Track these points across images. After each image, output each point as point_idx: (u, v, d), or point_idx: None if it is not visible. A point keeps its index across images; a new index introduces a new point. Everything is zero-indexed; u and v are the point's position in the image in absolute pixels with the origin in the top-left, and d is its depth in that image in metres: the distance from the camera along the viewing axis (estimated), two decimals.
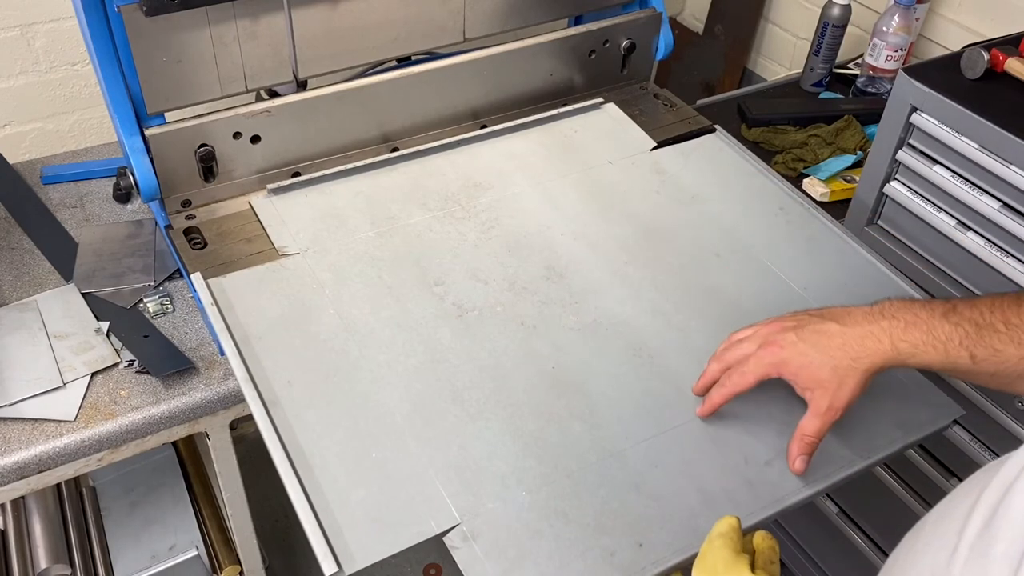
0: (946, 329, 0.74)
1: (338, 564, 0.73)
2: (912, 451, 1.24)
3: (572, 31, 1.26)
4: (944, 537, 0.55)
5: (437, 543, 0.77)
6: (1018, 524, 0.49)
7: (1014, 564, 0.48)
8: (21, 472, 0.98)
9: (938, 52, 1.63)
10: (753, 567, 0.65)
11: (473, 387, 0.89)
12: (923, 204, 1.18)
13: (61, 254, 1.19)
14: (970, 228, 1.14)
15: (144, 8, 0.95)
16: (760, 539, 0.68)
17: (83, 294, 1.13)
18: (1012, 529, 0.49)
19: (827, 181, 1.39)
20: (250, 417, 0.85)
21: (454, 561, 0.76)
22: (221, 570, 1.38)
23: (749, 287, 1.03)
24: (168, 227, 1.09)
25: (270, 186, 1.10)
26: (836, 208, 1.34)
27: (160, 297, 1.13)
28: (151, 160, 1.04)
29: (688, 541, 0.77)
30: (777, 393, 0.90)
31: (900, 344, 0.75)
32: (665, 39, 1.33)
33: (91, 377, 1.04)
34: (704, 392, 0.87)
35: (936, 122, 1.13)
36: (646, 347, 0.95)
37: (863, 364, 0.76)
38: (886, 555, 1.47)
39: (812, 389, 0.79)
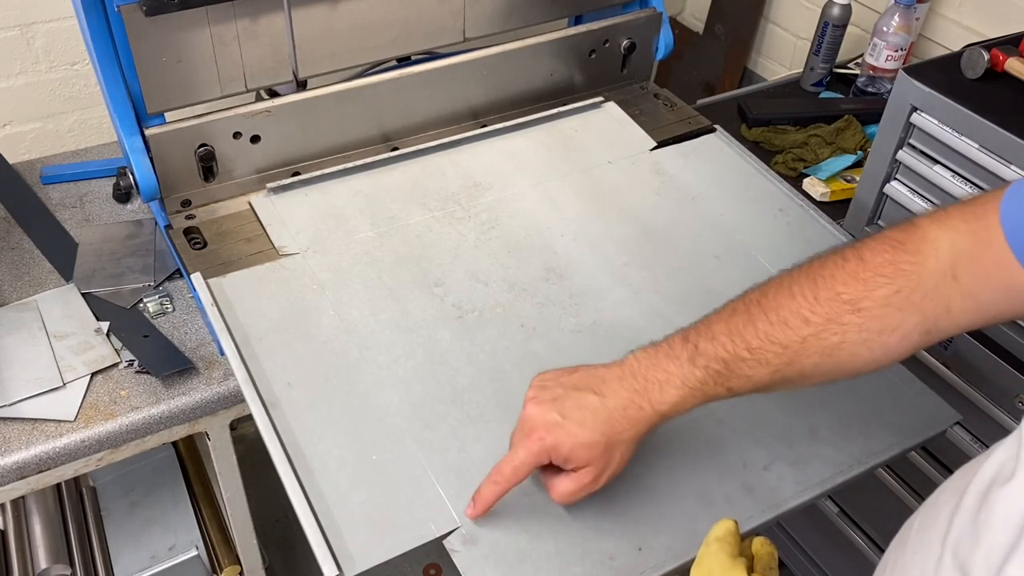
0: (698, 375, 0.73)
1: (338, 567, 0.73)
2: (912, 451, 1.24)
3: (572, 31, 1.26)
4: (929, 545, 0.55)
5: (437, 543, 0.77)
6: (998, 529, 0.49)
7: (994, 570, 0.48)
8: (21, 472, 0.98)
9: (938, 52, 1.63)
10: (751, 571, 0.65)
11: (473, 389, 0.89)
12: (923, 204, 1.18)
13: (61, 254, 1.19)
14: None
15: (144, 8, 0.95)
16: (759, 544, 0.67)
17: (83, 294, 1.13)
18: (993, 535, 0.49)
19: (827, 181, 1.39)
20: (250, 417, 0.85)
21: (454, 562, 0.76)
22: (221, 570, 1.38)
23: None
24: (168, 227, 1.09)
25: (270, 185, 1.10)
26: (836, 208, 1.34)
27: (160, 297, 1.13)
28: (151, 160, 1.04)
29: (687, 545, 0.77)
30: (775, 398, 0.91)
31: (660, 407, 0.74)
32: (665, 39, 1.33)
33: (91, 377, 1.04)
34: (481, 514, 0.78)
35: (936, 122, 1.13)
36: None
37: (629, 435, 0.75)
38: None
39: (580, 466, 0.75)
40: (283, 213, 1.08)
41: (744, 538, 0.69)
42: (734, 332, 0.73)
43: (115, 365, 1.06)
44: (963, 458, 1.20)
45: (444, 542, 0.77)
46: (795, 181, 1.40)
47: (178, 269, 1.16)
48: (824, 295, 0.70)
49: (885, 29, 1.54)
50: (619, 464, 0.76)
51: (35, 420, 0.99)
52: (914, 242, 0.68)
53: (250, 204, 1.10)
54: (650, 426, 0.75)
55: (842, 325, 0.69)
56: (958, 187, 1.12)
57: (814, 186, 1.39)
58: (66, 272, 1.16)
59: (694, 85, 2.18)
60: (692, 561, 0.71)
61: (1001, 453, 0.53)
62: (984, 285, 0.66)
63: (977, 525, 0.51)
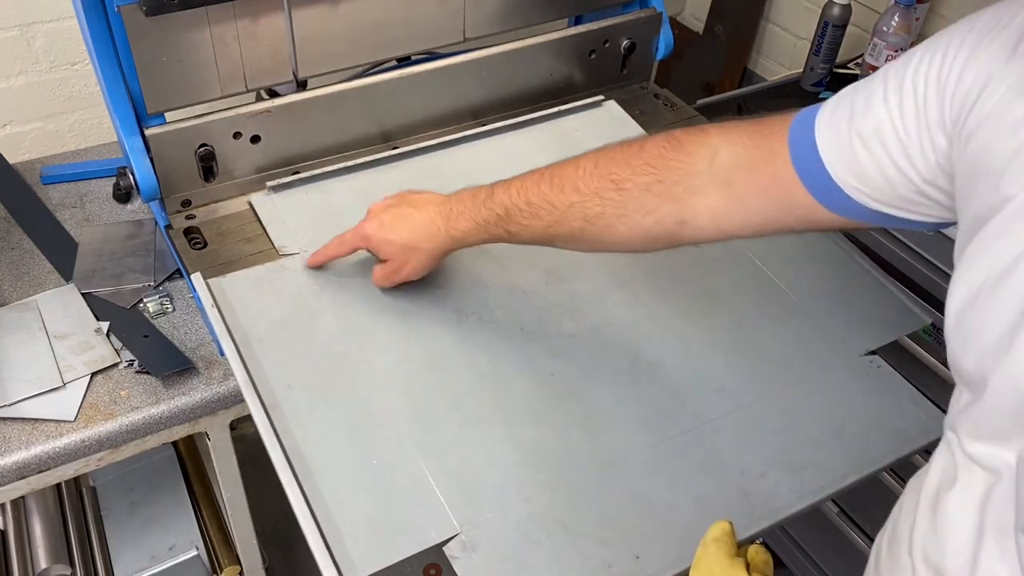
0: (484, 214, 0.87)
1: (339, 572, 0.73)
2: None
3: (572, 31, 1.26)
4: (899, 561, 0.57)
5: (437, 549, 0.77)
6: (961, 536, 0.52)
7: (968, 568, 0.50)
8: (21, 472, 0.98)
9: None
10: (749, 571, 0.66)
11: (472, 394, 0.89)
12: None
13: (61, 254, 1.19)
14: None
15: (144, 8, 0.95)
16: (754, 552, 0.68)
17: (83, 294, 1.13)
18: (956, 541, 0.52)
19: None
20: (250, 417, 0.85)
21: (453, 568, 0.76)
22: (221, 570, 1.38)
23: (747, 295, 1.03)
24: (168, 227, 1.09)
25: (270, 183, 1.10)
26: None
27: (160, 297, 1.13)
28: (151, 160, 1.04)
29: (684, 553, 0.77)
30: (773, 406, 0.91)
31: (452, 232, 0.90)
32: (665, 39, 1.33)
33: (91, 377, 1.04)
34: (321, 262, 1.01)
35: None
36: (644, 354, 0.95)
37: (425, 246, 0.92)
38: None
39: (386, 259, 0.95)
40: (283, 213, 1.08)
41: (740, 546, 0.69)
42: (523, 188, 0.85)
43: (115, 365, 1.06)
44: None
45: (444, 548, 0.77)
46: None
47: (178, 269, 1.16)
48: (598, 172, 0.80)
49: (885, 29, 1.54)
50: (413, 267, 0.94)
51: (35, 420, 0.99)
52: (692, 144, 0.77)
53: (250, 204, 1.10)
54: (444, 246, 0.91)
55: (603, 199, 0.79)
56: None
57: None
58: (66, 272, 1.16)
59: (694, 85, 2.18)
60: (690, 568, 0.71)
61: (940, 461, 0.56)
62: (758, 195, 0.73)
63: (937, 531, 0.53)
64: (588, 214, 0.81)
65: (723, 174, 0.74)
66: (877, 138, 0.63)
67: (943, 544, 0.53)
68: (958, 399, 0.55)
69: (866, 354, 0.97)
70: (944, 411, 0.92)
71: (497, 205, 0.86)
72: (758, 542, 0.73)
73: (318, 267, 1.00)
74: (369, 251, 0.96)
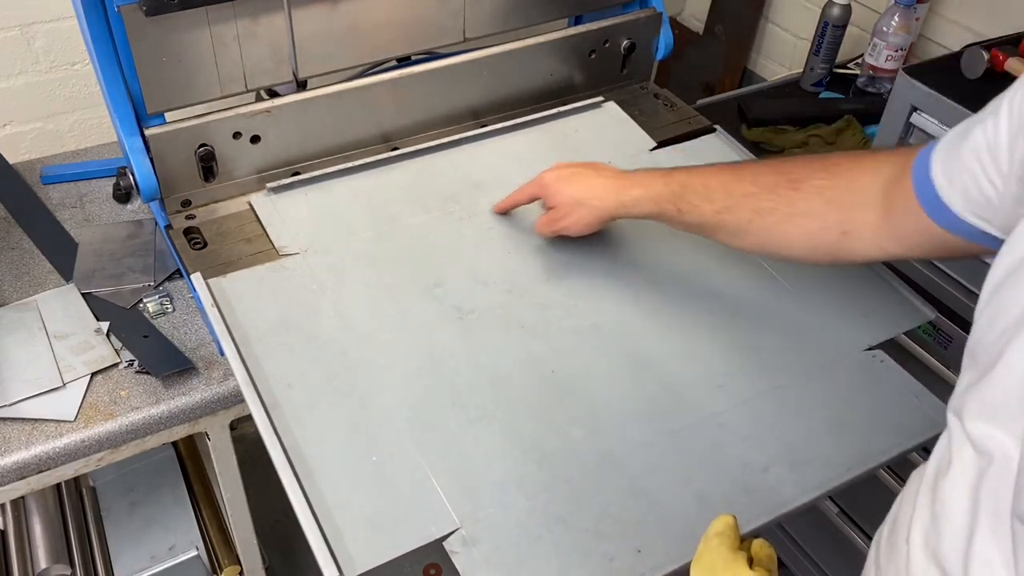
0: (659, 187, 0.91)
1: (339, 569, 0.73)
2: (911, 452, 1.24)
3: (572, 31, 1.26)
4: (896, 548, 0.58)
5: (437, 544, 0.77)
6: (956, 521, 0.52)
7: (962, 557, 0.51)
8: (21, 472, 0.98)
9: (938, 52, 1.63)
10: (751, 565, 0.66)
11: (473, 391, 0.89)
12: None
13: (61, 254, 1.19)
14: None
15: (144, 8, 0.95)
16: (758, 547, 0.69)
17: (83, 294, 1.13)
18: (952, 526, 0.52)
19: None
20: (250, 417, 0.85)
21: (454, 564, 0.76)
22: (221, 570, 1.38)
23: (748, 291, 1.03)
24: (168, 227, 1.09)
25: (270, 185, 1.10)
26: None
27: (160, 297, 1.13)
28: (151, 160, 1.04)
29: (686, 547, 0.77)
30: (774, 401, 0.91)
31: (623, 196, 0.94)
32: (665, 39, 1.33)
33: (91, 377, 1.04)
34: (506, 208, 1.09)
35: (936, 122, 1.13)
36: (645, 351, 0.95)
37: (595, 204, 0.96)
38: None
39: (555, 206, 1.01)
40: (283, 213, 1.08)
41: (743, 540, 0.70)
42: (703, 172, 0.90)
43: (115, 365, 1.06)
44: None
45: (444, 544, 0.77)
46: None
47: (178, 269, 1.16)
48: (778, 169, 0.84)
49: (885, 29, 1.54)
50: (575, 220, 0.98)
51: (35, 420, 0.99)
52: (865, 159, 0.80)
53: (250, 204, 1.10)
54: (611, 209, 0.96)
55: (778, 195, 0.83)
56: None
57: None
58: (66, 272, 1.16)
59: (694, 85, 2.18)
60: (689, 563, 0.71)
61: (939, 448, 0.57)
62: (907, 222, 0.74)
63: (935, 517, 0.54)
64: (760, 207, 0.83)
65: (883, 191, 0.77)
66: (975, 155, 0.65)
67: (940, 529, 0.53)
68: (963, 380, 0.56)
69: (868, 349, 0.97)
70: (946, 405, 0.92)
71: (674, 182, 0.90)
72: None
73: (504, 213, 1.09)
74: (542, 200, 1.03)
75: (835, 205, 0.80)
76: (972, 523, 0.51)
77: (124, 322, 1.10)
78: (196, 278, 0.98)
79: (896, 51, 1.55)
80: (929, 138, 1.14)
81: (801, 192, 0.81)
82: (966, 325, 1.18)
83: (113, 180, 1.29)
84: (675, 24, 2.23)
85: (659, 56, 1.35)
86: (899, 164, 0.76)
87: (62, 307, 1.11)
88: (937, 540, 0.53)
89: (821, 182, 0.80)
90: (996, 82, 1.13)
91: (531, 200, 1.05)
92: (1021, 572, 0.47)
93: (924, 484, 0.57)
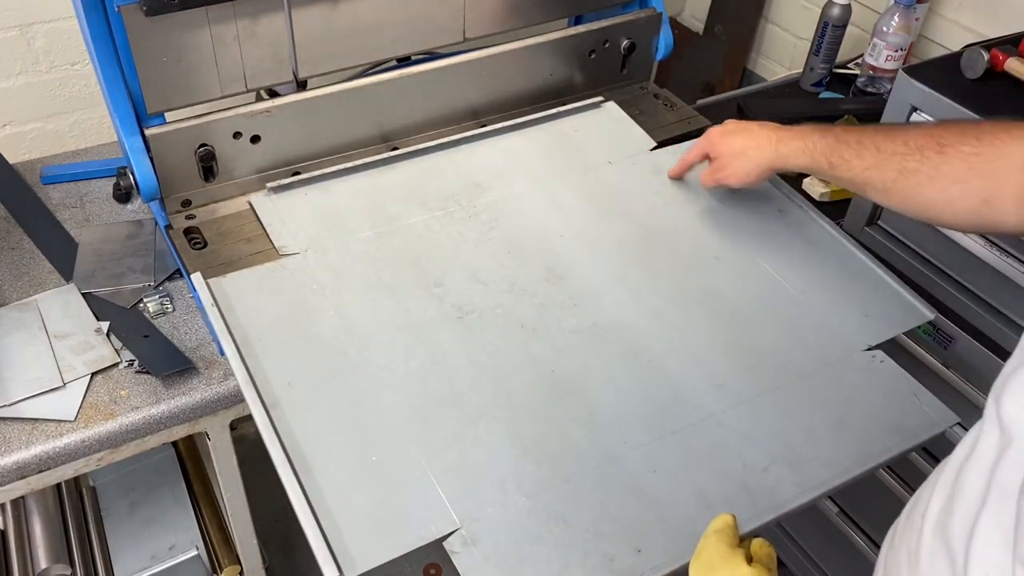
0: (815, 139, 0.96)
1: (339, 568, 0.73)
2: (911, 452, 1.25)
3: (572, 31, 1.26)
4: (912, 527, 0.59)
5: (437, 544, 0.77)
6: (969, 498, 0.53)
7: (968, 533, 0.51)
8: (21, 472, 0.98)
9: (938, 52, 1.63)
10: (750, 562, 0.66)
11: (473, 390, 0.89)
12: None
13: (61, 254, 1.19)
14: None
15: (144, 8, 0.95)
16: (758, 546, 0.69)
17: (83, 294, 1.13)
18: (964, 503, 0.53)
19: (826, 181, 1.39)
20: (250, 417, 0.85)
21: (454, 564, 0.76)
22: (221, 570, 1.38)
23: (748, 291, 1.03)
24: (168, 227, 1.09)
25: (270, 184, 1.10)
26: (836, 208, 1.34)
27: (160, 297, 1.13)
28: (151, 160, 1.04)
29: (686, 547, 0.77)
30: (774, 401, 0.91)
31: (781, 148, 0.99)
32: (665, 39, 1.33)
33: (91, 377, 1.04)
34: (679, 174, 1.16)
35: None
36: (645, 350, 0.95)
37: (755, 154, 1.02)
38: None
39: (717, 157, 1.07)
40: (283, 213, 1.08)
41: (743, 539, 0.70)
42: (857, 129, 0.93)
43: (115, 365, 1.06)
44: None
45: (444, 543, 0.77)
46: (795, 181, 1.40)
47: (178, 269, 1.16)
48: (929, 132, 0.85)
49: (885, 29, 1.54)
50: (734, 170, 1.04)
51: (35, 420, 0.99)
52: (1014, 129, 0.79)
53: (250, 204, 1.10)
54: (769, 160, 1.01)
55: (923, 157, 0.84)
56: None
57: (813, 186, 1.39)
58: (66, 272, 1.16)
59: (694, 85, 2.18)
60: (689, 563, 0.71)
61: (969, 437, 0.58)
62: None
63: (952, 498, 0.55)
64: (905, 167, 0.85)
65: None
66: None
67: (952, 508, 0.54)
68: (1009, 363, 0.56)
69: (868, 349, 0.97)
70: (947, 406, 0.92)
71: (829, 135, 0.94)
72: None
73: (679, 177, 1.16)
74: (708, 156, 1.09)
75: (978, 172, 0.80)
76: (982, 502, 0.51)
77: (124, 322, 1.10)
78: (196, 278, 0.98)
79: (896, 51, 1.55)
80: None
81: (946, 156, 0.82)
82: (966, 325, 1.18)
83: (113, 180, 1.29)
84: (675, 24, 2.23)
85: (659, 56, 1.35)
86: None
87: (62, 307, 1.11)
88: (948, 519, 0.54)
89: (968, 148, 0.81)
90: (996, 82, 1.13)
91: (702, 158, 1.10)
92: (1019, 549, 0.47)
93: (949, 467, 0.57)
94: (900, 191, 0.87)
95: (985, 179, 0.79)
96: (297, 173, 1.14)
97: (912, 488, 1.31)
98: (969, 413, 1.01)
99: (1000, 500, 0.50)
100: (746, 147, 1.02)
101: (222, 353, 0.99)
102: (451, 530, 0.77)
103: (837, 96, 1.64)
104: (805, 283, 1.04)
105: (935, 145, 0.83)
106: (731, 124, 1.06)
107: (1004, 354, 1.13)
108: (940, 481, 0.57)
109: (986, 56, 1.12)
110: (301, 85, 1.14)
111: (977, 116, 1.07)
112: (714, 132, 1.07)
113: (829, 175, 0.95)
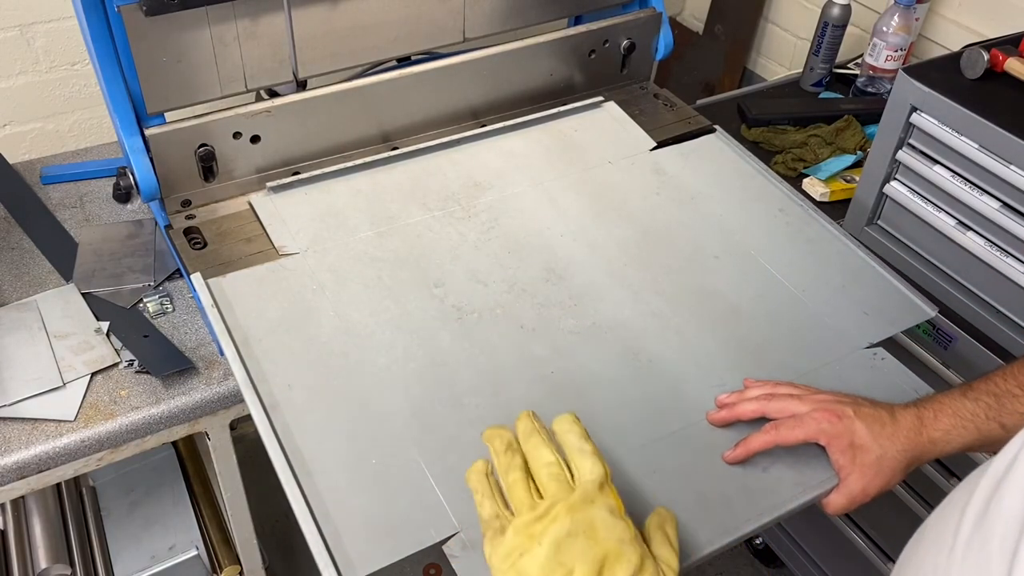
0: (969, 407, 0.76)
1: (338, 572, 0.73)
2: None
3: (572, 31, 1.26)
4: (941, 538, 0.56)
5: (436, 548, 0.77)
6: (1010, 518, 0.50)
7: (1008, 557, 0.49)
8: (21, 472, 0.98)
9: (938, 52, 1.63)
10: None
11: (472, 392, 0.89)
12: (923, 204, 1.18)
13: (61, 254, 1.19)
14: (970, 228, 1.14)
15: (144, 8, 0.95)
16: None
17: (83, 294, 1.13)
18: (1004, 524, 0.50)
19: (827, 181, 1.39)
20: (250, 417, 0.85)
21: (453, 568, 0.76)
22: (221, 570, 1.38)
23: (748, 290, 1.03)
24: (168, 227, 1.09)
25: (269, 184, 1.10)
26: (836, 208, 1.34)
27: (160, 297, 1.13)
28: (151, 160, 1.04)
29: (686, 547, 0.77)
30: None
31: (933, 433, 0.77)
32: (665, 39, 1.33)
33: (91, 377, 1.04)
34: (724, 424, 0.85)
35: (936, 122, 1.13)
36: (645, 350, 0.95)
37: (905, 457, 0.77)
38: (886, 555, 1.48)
39: (852, 471, 0.79)
40: (283, 213, 1.08)
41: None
42: (1008, 374, 0.76)
43: (115, 365, 1.06)
44: (963, 459, 1.20)
45: (443, 547, 0.77)
46: (795, 181, 1.40)
47: (178, 269, 1.16)
48: None
49: (885, 29, 1.54)
50: (884, 485, 0.77)
51: (35, 420, 0.99)
52: None
53: (250, 204, 1.10)
54: (921, 451, 0.77)
55: None
56: (958, 187, 1.12)
57: (814, 186, 1.39)
58: (66, 272, 1.16)
59: (694, 85, 2.18)
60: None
61: (1011, 450, 0.54)
62: None
63: (989, 515, 0.52)
64: None
65: None
66: None
67: (991, 528, 0.51)
68: None
69: (869, 347, 0.97)
70: None
71: (982, 394, 0.77)
72: (756, 540, 0.73)
73: (746, 458, 0.84)
74: (825, 448, 0.81)
75: None
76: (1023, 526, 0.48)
77: (124, 322, 1.10)
78: (196, 278, 0.98)
79: (896, 51, 1.55)
80: (929, 138, 1.14)
81: None
82: (966, 325, 1.18)
83: (113, 180, 1.29)
84: (675, 24, 2.23)
85: (659, 56, 1.35)
86: None
87: (62, 307, 1.11)
88: (984, 539, 0.51)
89: None
90: (996, 82, 1.13)
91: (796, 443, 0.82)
92: None
93: (986, 480, 0.54)
94: None
95: None
96: (297, 173, 1.14)
97: (912, 488, 1.31)
98: None
99: None
100: (894, 444, 0.78)
101: (222, 353, 0.99)
102: (450, 533, 0.77)
103: (837, 96, 1.64)
104: (805, 282, 1.04)
105: None
106: (863, 417, 0.78)
107: (1004, 354, 1.13)
108: (975, 498, 0.54)
109: (986, 56, 1.12)
110: (301, 85, 1.14)
111: (977, 116, 1.07)
112: (847, 427, 0.78)
113: (1001, 442, 0.71)
